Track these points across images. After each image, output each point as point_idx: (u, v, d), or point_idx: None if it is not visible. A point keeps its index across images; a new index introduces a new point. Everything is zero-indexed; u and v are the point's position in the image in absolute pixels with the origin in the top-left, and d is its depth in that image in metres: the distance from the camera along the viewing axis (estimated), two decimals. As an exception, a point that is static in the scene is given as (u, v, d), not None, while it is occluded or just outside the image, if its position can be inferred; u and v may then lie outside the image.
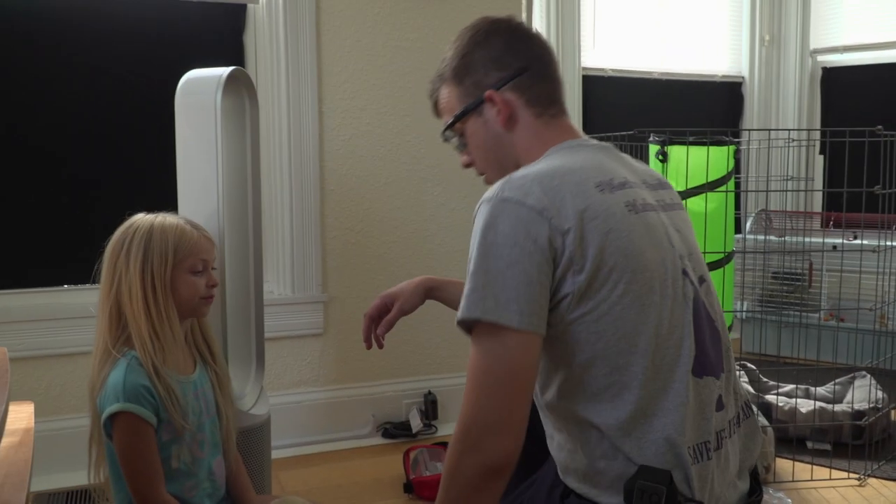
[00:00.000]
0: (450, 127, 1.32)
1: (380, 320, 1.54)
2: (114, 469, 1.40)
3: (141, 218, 1.47)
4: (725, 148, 2.48)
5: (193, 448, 1.44)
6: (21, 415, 1.39)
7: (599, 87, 3.59)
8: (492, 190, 1.13)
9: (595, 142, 1.27)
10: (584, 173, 1.15)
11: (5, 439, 1.19)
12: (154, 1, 2.34)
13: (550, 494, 1.22)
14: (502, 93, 1.27)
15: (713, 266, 2.45)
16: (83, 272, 2.29)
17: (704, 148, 2.39)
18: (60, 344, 2.18)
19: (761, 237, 3.39)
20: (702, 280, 1.21)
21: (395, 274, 2.58)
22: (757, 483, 1.26)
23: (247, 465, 1.73)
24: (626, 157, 1.30)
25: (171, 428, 1.39)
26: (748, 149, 3.71)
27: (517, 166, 1.25)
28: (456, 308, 1.51)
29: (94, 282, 1.48)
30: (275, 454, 2.00)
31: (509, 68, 1.27)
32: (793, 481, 2.17)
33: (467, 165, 1.37)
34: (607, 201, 1.13)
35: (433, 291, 1.59)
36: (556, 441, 1.21)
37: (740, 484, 1.21)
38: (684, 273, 1.17)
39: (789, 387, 2.66)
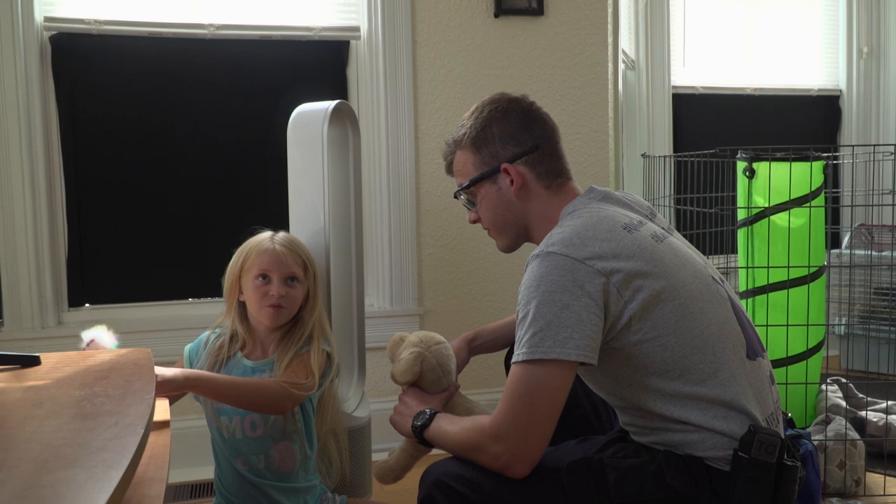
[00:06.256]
0: (464, 188, 1.50)
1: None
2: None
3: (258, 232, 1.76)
4: (815, 163, 2.49)
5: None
6: (158, 408, 1.58)
7: (691, 105, 3.61)
8: (539, 247, 1.32)
9: (599, 189, 1.44)
10: (610, 221, 1.33)
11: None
12: (270, 42, 2.58)
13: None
14: (516, 166, 1.44)
15: (798, 282, 2.46)
16: (205, 287, 2.53)
17: (793, 164, 2.41)
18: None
19: (859, 252, 3.33)
20: (723, 281, 1.40)
21: (487, 287, 2.70)
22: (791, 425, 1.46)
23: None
24: (624, 195, 1.46)
25: None
26: (853, 162, 3.64)
27: (525, 229, 1.48)
28: (497, 349, 1.83)
29: (214, 295, 1.72)
30: (374, 457, 2.14)
31: (524, 145, 1.45)
32: (884, 495, 2.15)
33: (474, 222, 1.55)
34: (637, 239, 1.30)
35: (474, 342, 1.83)
36: (636, 430, 1.36)
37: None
38: (713, 279, 1.35)
39: (886, 403, 2.62)
